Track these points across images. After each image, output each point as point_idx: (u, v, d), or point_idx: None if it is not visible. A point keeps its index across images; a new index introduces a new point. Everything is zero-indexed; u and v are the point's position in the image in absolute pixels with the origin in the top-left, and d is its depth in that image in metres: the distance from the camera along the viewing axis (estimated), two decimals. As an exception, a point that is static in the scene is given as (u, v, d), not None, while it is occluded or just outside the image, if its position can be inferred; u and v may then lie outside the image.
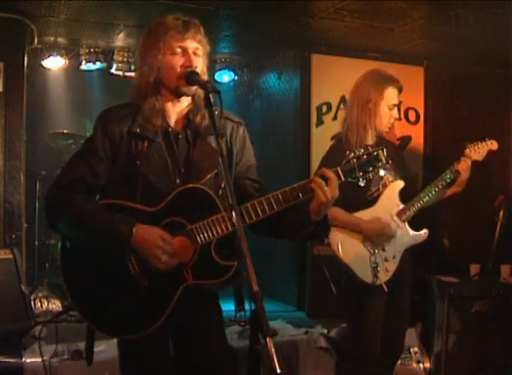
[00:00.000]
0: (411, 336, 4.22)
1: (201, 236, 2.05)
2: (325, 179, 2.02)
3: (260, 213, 2.04)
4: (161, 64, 2.11)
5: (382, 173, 2.13)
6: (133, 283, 2.06)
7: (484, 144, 3.24)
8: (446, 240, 5.48)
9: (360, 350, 3.13)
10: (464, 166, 3.18)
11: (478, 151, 3.22)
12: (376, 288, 3.02)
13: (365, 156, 2.09)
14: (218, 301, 2.32)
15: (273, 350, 1.46)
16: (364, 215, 3.08)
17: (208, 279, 2.11)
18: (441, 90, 5.55)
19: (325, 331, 4.10)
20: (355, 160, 2.08)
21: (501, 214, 4.96)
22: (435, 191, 3.18)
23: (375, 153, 2.09)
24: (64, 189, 2.10)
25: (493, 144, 3.26)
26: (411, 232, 3.18)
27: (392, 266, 3.08)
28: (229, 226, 2.04)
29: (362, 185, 2.13)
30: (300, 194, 2.04)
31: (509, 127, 5.71)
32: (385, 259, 3.07)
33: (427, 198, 3.17)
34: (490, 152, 3.26)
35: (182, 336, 2.22)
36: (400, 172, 3.23)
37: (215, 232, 2.05)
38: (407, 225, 3.16)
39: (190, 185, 2.10)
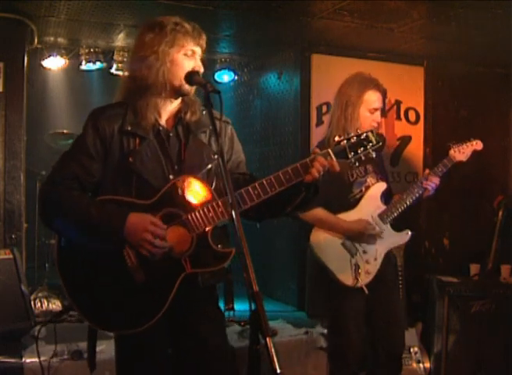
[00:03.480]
0: (411, 336, 4.22)
1: (198, 224, 2.08)
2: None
3: (254, 198, 2.09)
4: (173, 62, 2.14)
5: (373, 154, 2.20)
6: (130, 275, 2.07)
7: (468, 144, 3.20)
8: (446, 240, 5.49)
9: (337, 350, 3.14)
10: (430, 184, 3.12)
11: (463, 151, 3.18)
12: (354, 289, 3.01)
13: (355, 138, 2.17)
14: (217, 299, 2.33)
15: (273, 350, 1.46)
16: (347, 217, 3.07)
17: (207, 267, 2.13)
18: (441, 90, 5.54)
19: (325, 331, 4.10)
20: (345, 141, 2.17)
21: (500, 214, 4.97)
22: (418, 192, 3.14)
23: (365, 134, 2.18)
24: (57, 185, 2.12)
25: (478, 144, 3.21)
26: (393, 233, 3.15)
27: (374, 268, 3.06)
28: (224, 212, 2.07)
29: (357, 165, 2.21)
30: (294, 177, 2.11)
31: (509, 127, 5.72)
32: (367, 261, 3.04)
33: (409, 199, 3.14)
34: (475, 152, 3.21)
35: (181, 335, 2.21)
36: (381, 173, 3.21)
37: (210, 219, 2.08)
38: (389, 226, 3.13)
39: (184, 176, 2.12)
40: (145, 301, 2.08)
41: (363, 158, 2.19)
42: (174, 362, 2.22)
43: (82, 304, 2.12)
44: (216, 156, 2.20)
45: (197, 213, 2.08)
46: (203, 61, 2.23)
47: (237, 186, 2.18)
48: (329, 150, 2.15)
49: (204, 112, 2.15)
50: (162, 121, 2.21)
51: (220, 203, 2.08)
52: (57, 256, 2.16)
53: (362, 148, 2.17)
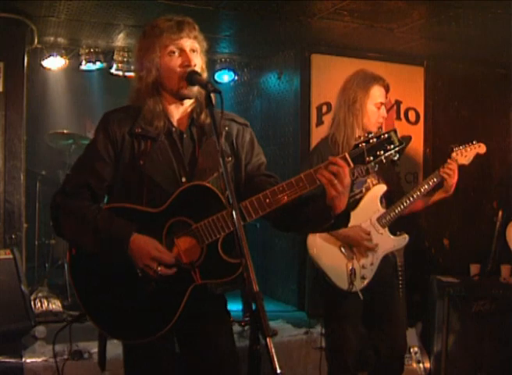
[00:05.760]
0: (411, 336, 4.22)
1: (207, 234, 2.02)
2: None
3: (266, 207, 1.98)
4: (159, 66, 2.10)
5: (396, 157, 1.98)
6: (140, 286, 2.05)
7: (472, 147, 3.15)
8: (446, 240, 5.49)
9: (335, 351, 3.13)
10: (448, 171, 3.10)
11: (465, 154, 3.13)
12: (352, 293, 3.00)
13: (375, 139, 1.96)
14: (226, 304, 2.30)
15: (273, 350, 1.45)
16: None
17: (217, 278, 2.07)
18: (441, 90, 5.54)
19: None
20: (364, 144, 1.96)
21: (500, 214, 4.97)
22: (417, 195, 3.12)
23: (386, 135, 1.96)
24: (67, 196, 2.11)
25: (481, 148, 3.16)
26: (391, 237, 3.13)
27: (370, 273, 3.05)
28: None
29: (375, 170, 2.05)
30: (308, 185, 1.97)
31: (509, 127, 5.72)
32: (363, 266, 3.03)
33: (409, 202, 3.11)
34: (479, 155, 3.17)
35: (189, 338, 2.21)
36: (385, 175, 3.19)
37: (220, 230, 2.01)
38: (387, 230, 3.11)
39: (194, 182, 2.07)
40: (155, 311, 2.06)
41: (384, 161, 1.98)
42: (184, 365, 2.21)
43: (93, 312, 2.10)
44: (230, 159, 2.16)
45: (206, 223, 2.02)
46: (204, 50, 2.15)
47: (263, 189, 2.04)
48: (346, 154, 1.96)
49: (219, 113, 1.95)
50: (175, 122, 2.17)
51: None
52: (69, 263, 2.16)
53: (382, 151, 1.95)
